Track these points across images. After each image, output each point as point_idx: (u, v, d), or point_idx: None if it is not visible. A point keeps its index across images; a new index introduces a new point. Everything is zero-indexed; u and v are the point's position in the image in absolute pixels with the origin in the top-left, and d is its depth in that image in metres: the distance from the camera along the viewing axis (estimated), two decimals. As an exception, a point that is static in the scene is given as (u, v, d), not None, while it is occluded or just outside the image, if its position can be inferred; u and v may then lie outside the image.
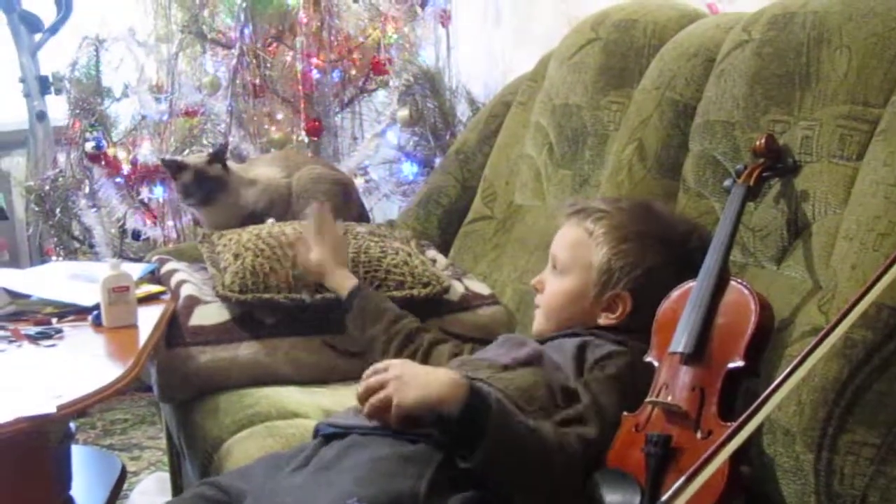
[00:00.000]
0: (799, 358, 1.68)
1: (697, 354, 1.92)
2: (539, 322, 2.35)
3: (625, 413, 1.95)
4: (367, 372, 1.94)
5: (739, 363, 1.88)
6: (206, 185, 3.23)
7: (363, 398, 1.91)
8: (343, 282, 2.68)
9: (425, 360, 2.44)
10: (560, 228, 2.38)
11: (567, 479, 1.87)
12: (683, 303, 2.01)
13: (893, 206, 1.80)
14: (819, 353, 1.68)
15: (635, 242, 2.22)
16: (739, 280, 2.01)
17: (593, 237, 2.26)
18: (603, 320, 2.22)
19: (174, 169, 3.30)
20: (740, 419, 1.67)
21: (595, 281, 2.23)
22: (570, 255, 2.29)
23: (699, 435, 1.82)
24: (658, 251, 2.22)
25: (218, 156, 3.27)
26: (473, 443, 1.80)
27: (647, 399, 1.94)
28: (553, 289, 2.31)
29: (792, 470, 1.82)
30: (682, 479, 1.62)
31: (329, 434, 2.02)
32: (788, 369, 1.68)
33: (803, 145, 2.10)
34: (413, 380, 1.88)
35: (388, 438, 1.90)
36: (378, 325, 2.55)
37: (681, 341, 1.94)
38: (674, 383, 1.92)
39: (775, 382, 1.68)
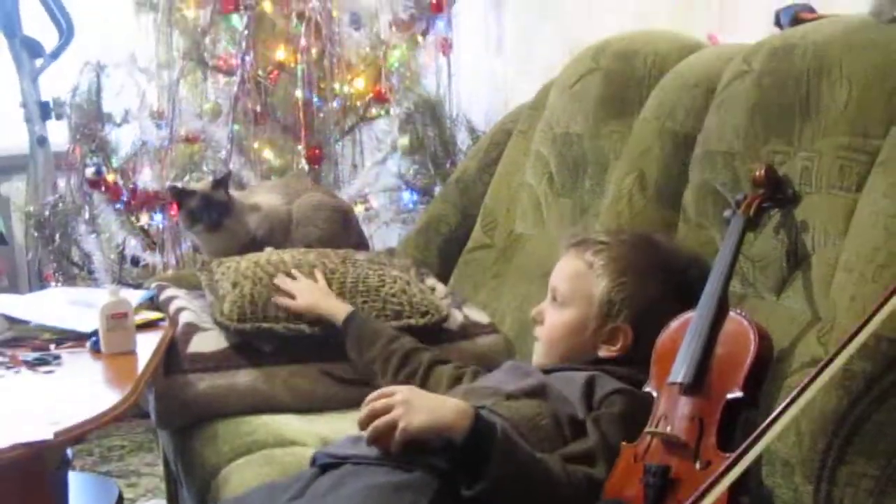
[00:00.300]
0: (798, 389, 1.68)
1: (697, 385, 1.91)
2: (539, 354, 2.33)
3: (624, 443, 1.94)
4: (372, 396, 1.93)
5: (738, 394, 1.87)
6: (214, 211, 3.23)
7: (366, 422, 1.90)
8: (337, 311, 2.70)
9: (425, 380, 2.44)
10: (560, 259, 2.37)
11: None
12: (683, 333, 2.01)
13: (893, 238, 1.80)
14: (818, 384, 1.68)
15: (636, 275, 2.22)
16: (739, 311, 2.01)
17: (593, 269, 2.26)
18: (603, 352, 2.22)
19: (180, 196, 3.30)
20: (739, 450, 1.66)
21: (595, 313, 2.23)
22: (570, 287, 2.29)
23: (698, 465, 1.82)
24: (658, 283, 2.21)
25: (222, 182, 3.28)
26: (478, 470, 1.79)
27: (647, 429, 1.93)
28: (553, 321, 2.31)
29: (791, 501, 1.81)
30: (681, 510, 1.62)
31: (325, 464, 2.01)
32: (787, 400, 1.67)
33: (803, 176, 2.10)
34: (420, 405, 1.88)
35: (383, 467, 1.90)
36: (374, 348, 2.56)
37: (680, 372, 1.94)
38: (673, 414, 1.92)
39: (774, 413, 1.67)
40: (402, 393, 1.91)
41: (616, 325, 2.21)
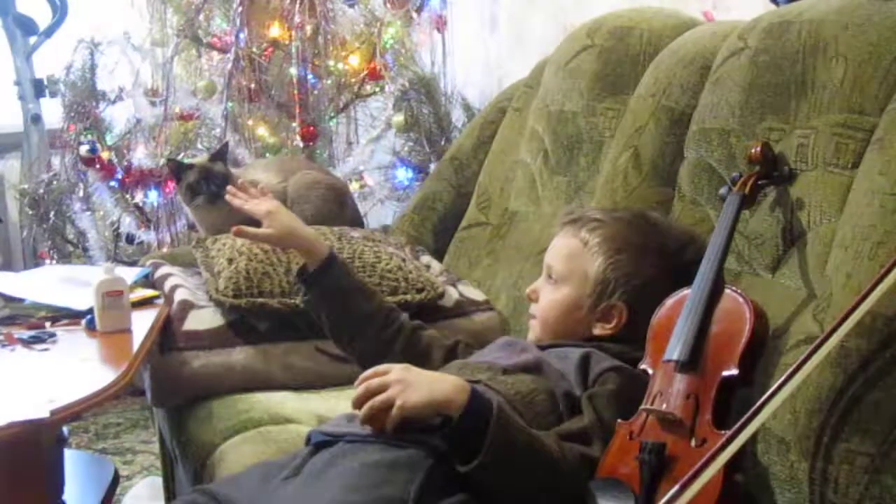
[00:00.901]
0: (794, 366, 1.68)
1: (692, 362, 1.91)
2: (534, 331, 2.33)
3: (619, 421, 1.94)
4: (367, 374, 1.92)
5: (734, 371, 1.87)
6: (213, 183, 3.23)
7: (362, 400, 1.89)
8: (318, 244, 2.48)
9: (409, 346, 2.42)
10: (555, 237, 2.37)
11: (567, 491, 1.87)
12: (678, 311, 2.01)
13: (889, 215, 1.79)
14: (814, 361, 1.69)
15: (631, 253, 2.22)
16: (734, 288, 2.01)
17: (588, 247, 2.25)
18: (598, 330, 2.22)
19: (179, 170, 3.30)
20: (735, 427, 1.67)
21: (590, 291, 2.23)
22: (566, 265, 2.28)
23: (693, 443, 1.82)
24: (654, 262, 2.21)
25: (220, 154, 3.28)
26: (473, 446, 1.79)
27: (642, 407, 1.93)
28: (548, 299, 2.30)
29: (786, 479, 1.81)
30: (676, 487, 1.62)
31: (320, 442, 2.01)
32: (783, 378, 1.68)
33: (799, 153, 2.10)
34: (416, 382, 1.88)
35: (377, 445, 1.89)
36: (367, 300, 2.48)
37: (675, 349, 1.94)
38: (668, 391, 1.92)
39: (770, 391, 1.67)
40: (397, 371, 1.90)
41: (611, 304, 2.21)
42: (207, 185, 3.24)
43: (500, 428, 1.80)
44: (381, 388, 1.88)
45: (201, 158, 3.30)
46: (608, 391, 2.01)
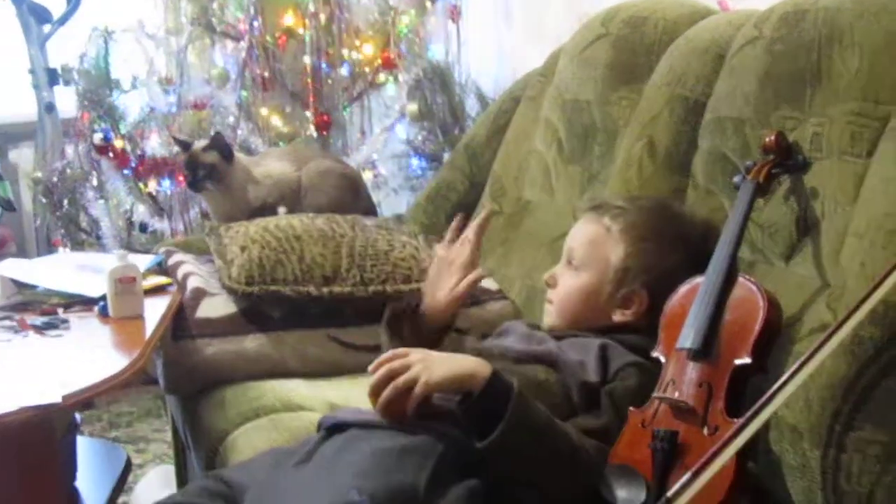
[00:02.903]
0: (807, 355, 1.68)
1: (705, 351, 1.91)
2: (552, 317, 2.31)
3: (632, 408, 1.94)
4: (384, 357, 1.92)
5: (747, 360, 1.87)
6: (197, 171, 3.24)
7: (382, 384, 1.89)
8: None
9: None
10: (577, 223, 2.36)
11: (582, 480, 1.86)
12: (692, 299, 2.00)
13: (904, 204, 1.79)
14: (827, 350, 1.68)
15: (653, 241, 2.21)
16: (748, 277, 2.00)
17: (611, 234, 2.24)
18: (618, 317, 2.21)
19: (181, 148, 3.34)
20: (747, 416, 1.66)
21: (611, 278, 2.21)
22: (587, 251, 2.27)
23: (706, 431, 1.82)
24: (676, 251, 2.20)
25: (214, 144, 3.27)
26: (492, 424, 1.79)
27: (654, 395, 1.93)
28: (568, 284, 2.29)
29: (799, 467, 1.81)
30: (688, 474, 1.62)
31: (331, 427, 2.01)
32: (796, 366, 1.67)
33: (813, 142, 2.09)
34: (439, 359, 1.90)
35: (388, 431, 1.90)
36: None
37: (689, 337, 1.93)
38: (681, 379, 1.92)
39: (782, 379, 1.67)
40: (416, 353, 1.91)
41: (632, 290, 2.20)
42: (189, 172, 3.26)
43: (519, 405, 1.81)
44: (403, 369, 1.88)
45: (199, 144, 3.30)
46: (628, 388, 2.01)
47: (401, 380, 1.87)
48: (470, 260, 2.34)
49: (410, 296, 2.58)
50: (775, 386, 1.67)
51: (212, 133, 3.55)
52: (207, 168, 3.24)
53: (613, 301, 2.21)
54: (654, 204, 2.31)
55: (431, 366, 1.87)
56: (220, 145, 3.28)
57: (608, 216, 2.27)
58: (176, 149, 3.96)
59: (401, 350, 1.93)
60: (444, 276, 2.34)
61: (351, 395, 2.54)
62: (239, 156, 3.34)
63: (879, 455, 1.70)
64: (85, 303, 2.70)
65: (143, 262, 2.92)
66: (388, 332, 2.30)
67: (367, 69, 4.50)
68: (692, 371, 1.91)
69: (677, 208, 2.33)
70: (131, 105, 4.59)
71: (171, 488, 3.34)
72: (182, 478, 3.27)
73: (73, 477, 2.70)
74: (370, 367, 1.94)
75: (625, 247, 2.21)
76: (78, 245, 4.59)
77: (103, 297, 2.62)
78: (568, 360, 2.08)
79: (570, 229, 2.37)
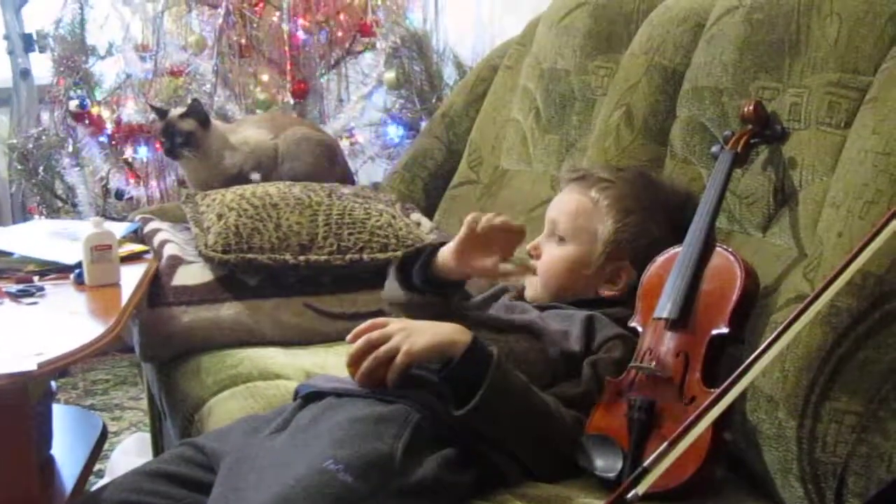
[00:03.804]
0: (783, 325, 1.68)
1: (682, 320, 1.91)
2: (533, 288, 2.30)
3: (608, 378, 1.94)
4: (363, 327, 1.92)
5: (724, 329, 1.88)
6: (174, 138, 3.24)
7: (361, 354, 1.89)
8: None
9: None
10: (560, 193, 2.35)
11: (560, 449, 1.87)
12: (669, 268, 2.00)
13: (881, 174, 1.79)
14: (804, 320, 1.68)
15: (640, 214, 2.20)
16: (725, 247, 2.00)
17: (598, 206, 2.23)
18: (605, 291, 2.20)
19: (159, 116, 3.33)
20: (724, 385, 1.66)
21: (599, 251, 2.20)
22: (573, 222, 2.26)
23: (683, 401, 1.82)
24: (660, 223, 2.19)
25: (191, 111, 3.26)
26: (472, 391, 1.79)
27: (631, 364, 1.93)
28: (552, 255, 2.27)
29: (774, 437, 1.81)
30: (665, 444, 1.62)
31: (307, 395, 2.01)
32: (773, 336, 1.67)
33: (792, 112, 2.09)
34: (420, 328, 1.89)
35: (365, 399, 1.89)
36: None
37: (666, 307, 1.94)
38: (658, 349, 1.92)
39: (759, 349, 1.67)
40: (396, 322, 1.91)
41: (620, 265, 2.19)
42: (166, 139, 3.26)
43: (499, 371, 1.81)
44: (383, 339, 1.88)
45: (176, 111, 3.29)
46: (612, 359, 2.01)
47: (381, 350, 1.87)
48: (510, 247, 2.18)
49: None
50: (752, 356, 1.67)
51: (188, 100, 3.54)
52: (185, 135, 3.23)
53: (601, 275, 2.21)
54: (637, 176, 2.29)
55: (412, 335, 1.87)
56: (198, 112, 3.26)
57: (595, 189, 2.25)
58: (153, 116, 3.95)
59: (379, 320, 1.93)
60: (477, 246, 2.15)
61: (327, 362, 2.54)
62: (216, 123, 3.34)
63: (855, 425, 1.70)
64: (60, 270, 2.69)
65: (119, 229, 2.91)
66: (397, 276, 2.22)
67: (344, 36, 4.48)
68: (669, 340, 1.91)
69: (657, 179, 2.32)
70: (107, 71, 4.58)
71: (146, 456, 3.34)
72: (158, 446, 3.26)
73: (48, 445, 2.69)
74: (348, 338, 1.93)
75: (612, 221, 2.20)
76: (54, 212, 4.57)
77: (79, 265, 2.60)
78: (550, 329, 2.08)
79: (552, 200, 2.36)
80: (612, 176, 2.27)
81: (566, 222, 2.27)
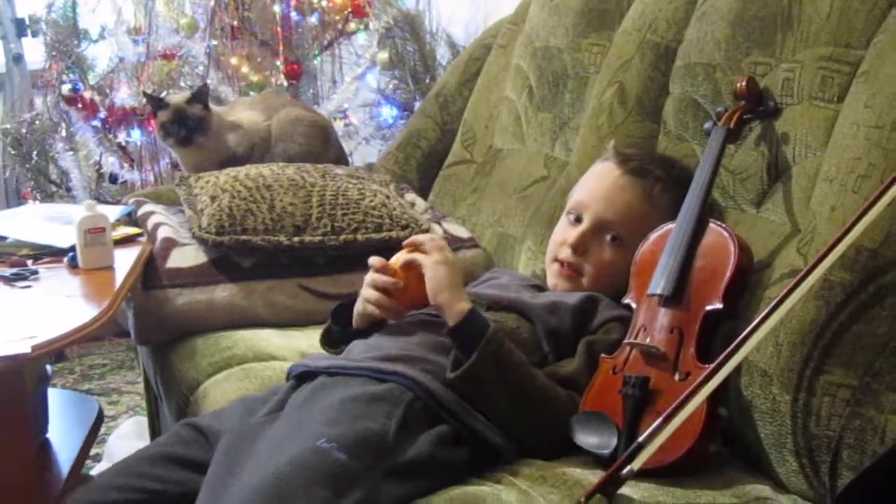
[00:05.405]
0: (777, 300, 1.68)
1: (676, 296, 1.92)
2: (568, 284, 2.24)
3: (603, 355, 1.95)
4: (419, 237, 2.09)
5: (718, 305, 1.88)
6: (186, 126, 3.22)
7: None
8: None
9: None
10: (612, 187, 2.26)
11: (555, 425, 1.88)
12: (662, 245, 2.01)
13: (874, 148, 1.79)
14: (797, 294, 1.69)
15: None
16: (719, 223, 2.01)
17: (655, 206, 2.20)
18: None
19: (155, 105, 3.30)
20: (718, 361, 1.67)
21: None
22: (634, 227, 2.19)
23: (677, 377, 1.83)
24: None
25: (199, 96, 3.26)
26: (465, 356, 1.85)
27: (625, 341, 1.94)
28: (607, 260, 2.21)
29: (769, 411, 1.82)
30: (659, 420, 1.63)
31: (300, 375, 2.01)
32: (766, 311, 1.68)
33: (784, 88, 2.09)
34: (451, 270, 2.00)
35: (358, 378, 1.91)
36: None
37: (659, 283, 1.94)
38: (652, 325, 1.92)
39: (753, 324, 1.68)
40: (443, 251, 2.03)
41: None
42: (179, 127, 3.23)
43: (495, 339, 1.86)
44: (420, 248, 2.05)
45: (179, 97, 3.28)
46: (610, 341, 2.01)
47: (411, 256, 2.05)
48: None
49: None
50: (746, 331, 1.67)
51: (181, 83, 3.53)
52: (196, 121, 3.22)
53: None
54: (684, 172, 2.25)
55: (442, 266, 2.00)
56: (204, 96, 3.26)
57: (657, 187, 2.23)
58: (143, 100, 3.94)
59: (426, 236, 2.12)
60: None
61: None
62: (212, 106, 3.32)
63: (849, 399, 1.71)
64: (54, 254, 2.68)
65: (112, 212, 2.90)
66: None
67: (337, 17, 4.47)
68: (663, 317, 1.92)
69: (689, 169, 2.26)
70: (100, 55, 4.56)
71: (144, 440, 3.34)
72: (155, 429, 3.26)
73: (44, 429, 2.69)
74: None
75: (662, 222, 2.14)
76: (48, 197, 4.56)
77: (73, 248, 2.60)
78: (540, 309, 2.08)
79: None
80: (665, 174, 2.24)
81: (625, 227, 2.22)
